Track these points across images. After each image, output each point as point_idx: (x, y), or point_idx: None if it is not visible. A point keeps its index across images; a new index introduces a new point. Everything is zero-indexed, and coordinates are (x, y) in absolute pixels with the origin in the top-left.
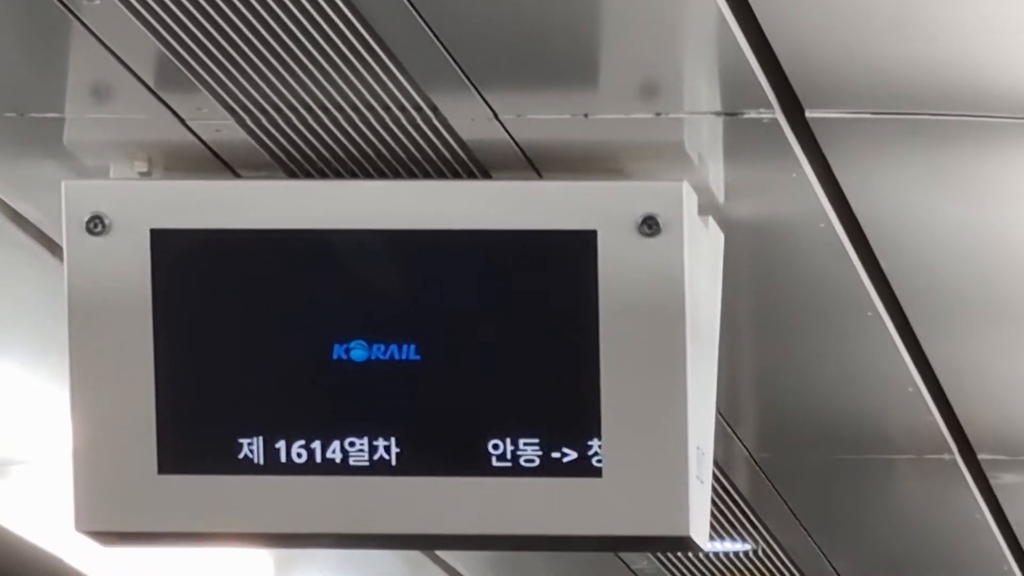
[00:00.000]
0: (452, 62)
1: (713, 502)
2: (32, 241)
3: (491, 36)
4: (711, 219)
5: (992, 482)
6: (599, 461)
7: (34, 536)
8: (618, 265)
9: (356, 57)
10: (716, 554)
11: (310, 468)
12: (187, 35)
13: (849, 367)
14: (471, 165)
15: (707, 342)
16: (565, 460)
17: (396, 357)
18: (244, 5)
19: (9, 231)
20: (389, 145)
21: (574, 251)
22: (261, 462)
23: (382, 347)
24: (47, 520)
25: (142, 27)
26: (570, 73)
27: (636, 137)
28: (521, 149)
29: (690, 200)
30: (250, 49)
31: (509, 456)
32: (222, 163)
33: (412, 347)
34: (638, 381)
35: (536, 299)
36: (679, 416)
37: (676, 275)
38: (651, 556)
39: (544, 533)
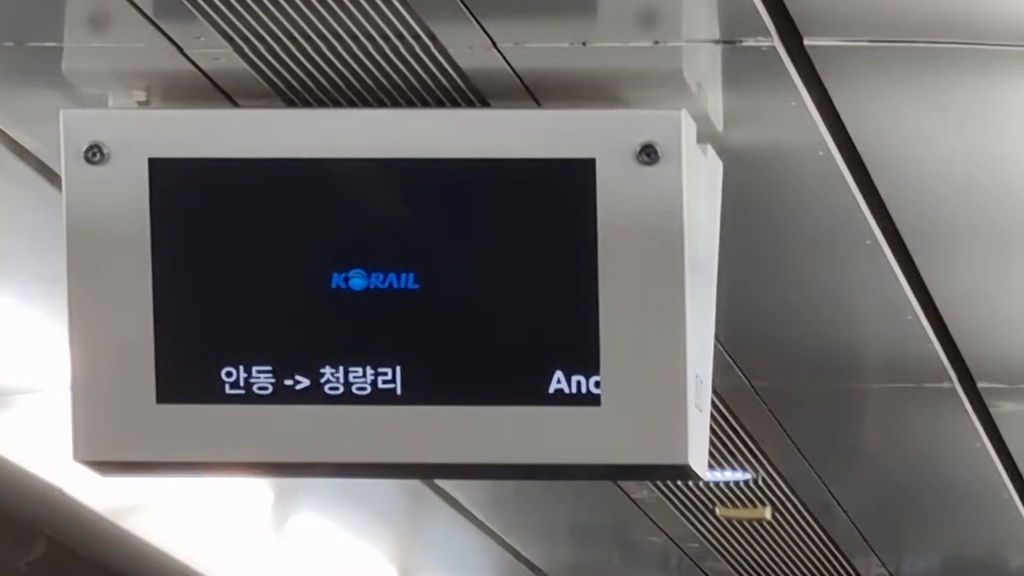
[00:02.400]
0: None
1: (712, 431)
2: (31, 171)
3: None
4: (710, 147)
5: (992, 410)
6: (598, 390)
7: (35, 467)
8: (617, 193)
9: None
10: (716, 483)
11: (310, 397)
12: None
13: (848, 296)
14: (470, 94)
15: (706, 271)
16: (564, 389)
17: (395, 286)
18: None
19: (8, 161)
20: (388, 74)
21: (573, 179)
22: (260, 391)
23: (381, 276)
24: (49, 450)
25: None
26: (568, 1)
27: (634, 65)
28: (520, 77)
29: (689, 128)
30: None
31: (509, 384)
32: (220, 92)
33: (411, 276)
34: (637, 309)
35: (535, 228)
36: (678, 345)
37: (675, 203)
38: (651, 485)
39: (544, 462)
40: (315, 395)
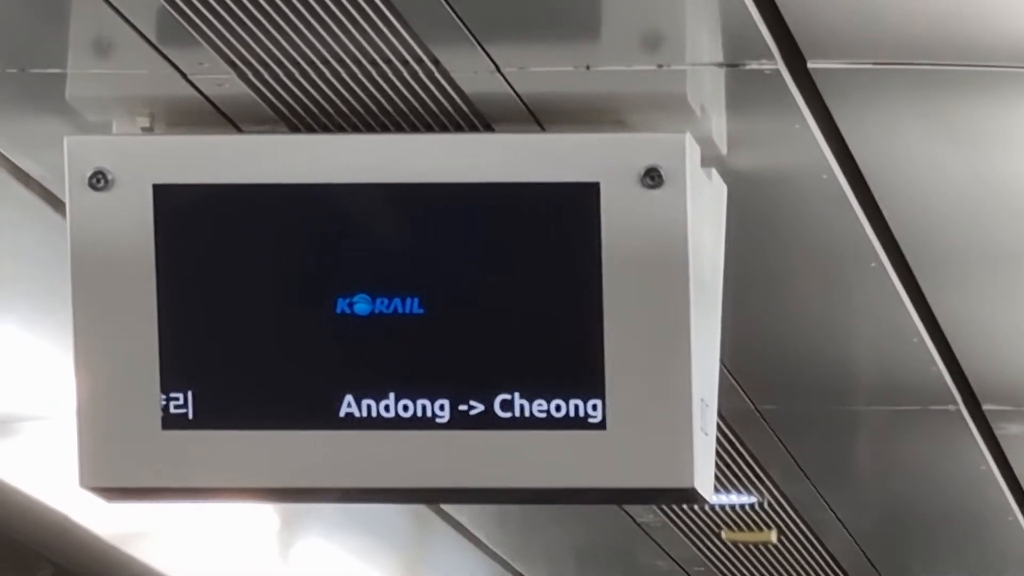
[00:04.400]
0: (454, 15)
1: (718, 455)
2: (35, 197)
3: None
4: (714, 171)
5: (997, 433)
6: (603, 414)
7: (41, 493)
8: (621, 217)
9: (358, 10)
10: (721, 507)
11: (314, 422)
12: None
13: (853, 318)
14: (473, 118)
15: (710, 294)
16: (569, 413)
17: (400, 311)
18: None
19: (12, 187)
20: (391, 99)
21: (577, 204)
22: (265, 417)
23: (386, 301)
24: (54, 477)
25: None
26: (572, 25)
27: (638, 89)
28: (523, 102)
29: (693, 152)
30: (251, 2)
31: (514, 410)
32: (224, 117)
33: (416, 301)
34: (642, 333)
35: (539, 252)
36: (683, 368)
37: (679, 227)
38: (656, 509)
39: (550, 486)
40: (318, 420)
